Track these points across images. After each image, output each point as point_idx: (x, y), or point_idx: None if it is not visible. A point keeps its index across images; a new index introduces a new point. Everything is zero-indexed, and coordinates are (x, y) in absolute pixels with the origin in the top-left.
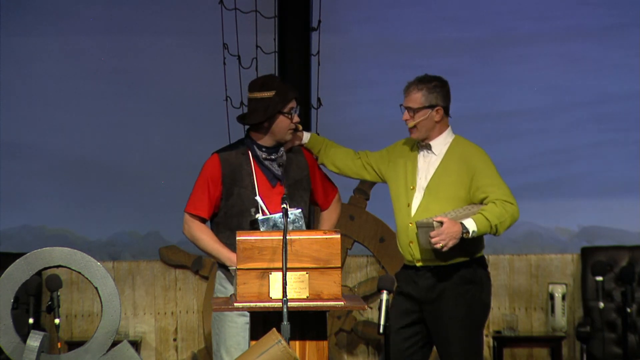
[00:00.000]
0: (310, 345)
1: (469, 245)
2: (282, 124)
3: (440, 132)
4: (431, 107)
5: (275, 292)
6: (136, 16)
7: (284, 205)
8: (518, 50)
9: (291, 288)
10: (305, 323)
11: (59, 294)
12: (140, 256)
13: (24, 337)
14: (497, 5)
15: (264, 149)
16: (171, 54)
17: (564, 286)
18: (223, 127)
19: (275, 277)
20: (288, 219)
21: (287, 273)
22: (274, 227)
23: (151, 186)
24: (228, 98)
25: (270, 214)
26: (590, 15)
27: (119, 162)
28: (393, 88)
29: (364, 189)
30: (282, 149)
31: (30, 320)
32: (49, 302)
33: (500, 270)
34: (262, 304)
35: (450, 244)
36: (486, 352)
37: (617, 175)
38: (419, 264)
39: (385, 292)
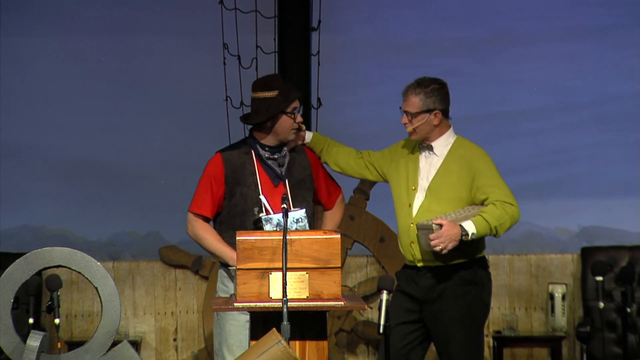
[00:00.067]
0: (310, 345)
1: (470, 247)
2: (285, 124)
3: (441, 134)
4: (429, 111)
5: (275, 292)
6: (136, 16)
7: (284, 205)
8: (518, 50)
9: (291, 288)
10: (305, 323)
11: (59, 294)
12: (140, 256)
13: (24, 337)
14: (497, 5)
15: (266, 149)
16: (171, 54)
17: (564, 286)
18: (223, 127)
19: (275, 277)
20: (292, 219)
21: (287, 273)
22: (278, 226)
23: (151, 186)
24: (228, 98)
25: (273, 213)
26: (590, 15)
27: (119, 162)
28: (393, 88)
29: (364, 189)
30: (285, 148)
31: (30, 320)
32: (49, 302)
33: (500, 270)
34: (262, 304)
35: (450, 246)
36: (486, 352)
37: (617, 175)
38: (419, 264)
39: (385, 292)
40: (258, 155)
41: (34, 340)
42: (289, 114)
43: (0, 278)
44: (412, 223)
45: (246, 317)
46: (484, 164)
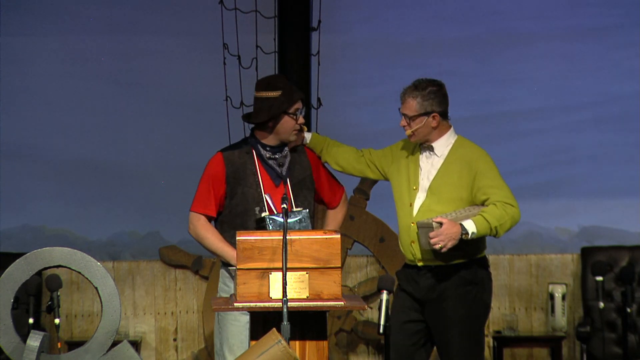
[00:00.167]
0: (310, 345)
1: (470, 246)
2: (287, 125)
3: (441, 135)
4: (427, 114)
5: (275, 292)
6: (136, 16)
7: (284, 205)
8: (518, 50)
9: (291, 288)
10: (305, 323)
11: (59, 294)
12: (140, 256)
13: (24, 337)
14: (497, 5)
15: (268, 148)
16: (171, 54)
17: (564, 286)
18: (223, 127)
19: (275, 277)
20: (296, 219)
21: (287, 273)
22: (281, 226)
23: (151, 186)
24: (228, 98)
25: (277, 212)
26: (590, 15)
27: (119, 162)
28: (393, 88)
29: (364, 188)
30: (286, 148)
31: (30, 320)
32: (49, 302)
33: (500, 270)
34: (262, 304)
35: (449, 245)
36: (486, 352)
37: (617, 175)
38: (420, 264)
39: (385, 292)
40: (259, 155)
41: (34, 340)
42: (291, 115)
43: (0, 278)
44: (412, 223)
45: (247, 318)
46: (485, 164)
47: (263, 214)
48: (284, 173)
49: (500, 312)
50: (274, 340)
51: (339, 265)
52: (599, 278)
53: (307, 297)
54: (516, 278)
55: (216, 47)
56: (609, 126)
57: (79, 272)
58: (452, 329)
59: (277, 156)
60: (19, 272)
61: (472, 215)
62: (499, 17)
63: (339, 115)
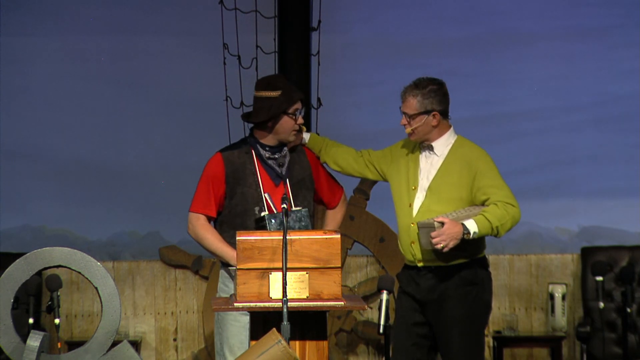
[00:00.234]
0: (310, 345)
1: (470, 246)
2: (286, 125)
3: (441, 134)
4: (427, 112)
5: (275, 292)
6: (136, 16)
7: (284, 205)
8: (518, 50)
9: (291, 288)
10: (305, 323)
11: (59, 294)
12: (140, 256)
13: (24, 337)
14: (497, 5)
15: (267, 148)
16: (171, 54)
17: (564, 286)
18: (223, 127)
19: (275, 277)
20: (294, 217)
21: (287, 273)
22: (281, 224)
23: (151, 186)
24: (228, 98)
25: (276, 211)
26: (590, 15)
27: (119, 162)
28: (393, 88)
29: (364, 188)
30: (285, 148)
31: (30, 320)
32: (49, 302)
33: (500, 270)
34: (262, 304)
35: (451, 244)
36: (486, 352)
37: (617, 175)
38: (420, 264)
39: (385, 292)
40: (258, 155)
41: (34, 340)
42: (291, 115)
43: (0, 278)
44: (412, 223)
45: (247, 319)
46: (485, 164)
47: (262, 214)
48: (283, 173)
49: (500, 312)
50: (274, 340)
51: (339, 265)
52: (599, 278)
53: (307, 297)
54: (516, 278)
55: (216, 47)
56: (609, 126)
57: (79, 272)
58: (452, 329)
59: (276, 156)
60: (19, 272)
61: (473, 215)
62: (499, 17)
63: (339, 115)
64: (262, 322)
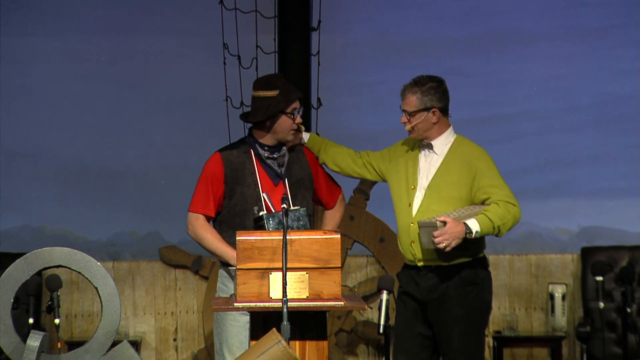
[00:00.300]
0: (310, 345)
1: (471, 246)
2: (285, 124)
3: (441, 132)
4: (427, 109)
5: (275, 292)
6: (136, 16)
7: (284, 205)
8: (518, 50)
9: (291, 288)
10: (305, 323)
11: (59, 294)
12: (140, 256)
13: (24, 337)
14: (497, 5)
15: (266, 148)
16: (171, 54)
17: (564, 286)
18: (223, 127)
19: (275, 277)
20: (293, 216)
21: (287, 273)
22: (280, 223)
23: (151, 186)
24: (228, 98)
25: (275, 211)
26: (590, 15)
27: (119, 162)
28: (393, 88)
29: (364, 188)
30: (284, 148)
31: (30, 320)
32: (49, 302)
33: (500, 270)
34: (262, 304)
35: (454, 244)
36: (486, 352)
37: (617, 175)
38: (420, 264)
39: (385, 292)
40: (257, 155)
41: (34, 340)
42: (289, 115)
43: (0, 278)
44: (412, 222)
45: (246, 319)
46: (485, 163)
47: (261, 213)
48: (282, 172)
49: (500, 312)
50: (274, 340)
51: (339, 265)
52: (599, 278)
53: (307, 297)
54: (516, 278)
55: (216, 47)
56: (609, 126)
57: (79, 272)
58: (452, 328)
59: (275, 155)
60: (19, 272)
61: (474, 214)
62: (499, 17)
63: (339, 115)
64: (262, 322)
